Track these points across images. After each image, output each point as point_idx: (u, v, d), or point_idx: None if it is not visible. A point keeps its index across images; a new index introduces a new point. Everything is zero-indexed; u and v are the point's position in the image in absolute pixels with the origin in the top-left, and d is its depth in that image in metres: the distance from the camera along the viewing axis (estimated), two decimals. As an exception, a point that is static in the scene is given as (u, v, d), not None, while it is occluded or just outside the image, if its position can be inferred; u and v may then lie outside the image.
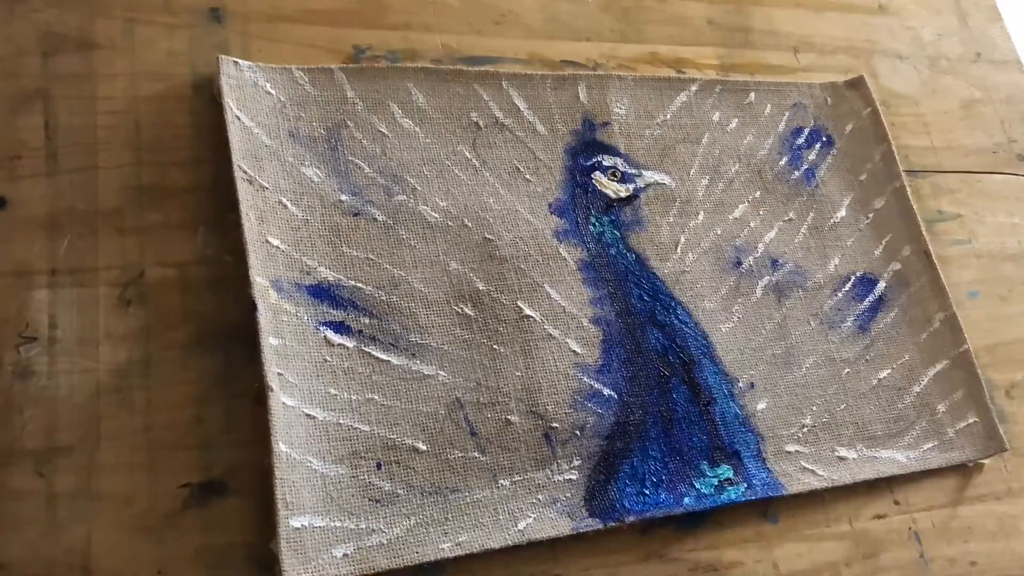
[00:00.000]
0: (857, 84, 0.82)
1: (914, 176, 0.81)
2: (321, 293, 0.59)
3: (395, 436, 0.57)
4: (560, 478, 0.60)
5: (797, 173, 0.77)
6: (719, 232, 0.72)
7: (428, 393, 0.59)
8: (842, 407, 0.69)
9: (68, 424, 0.53)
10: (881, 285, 0.75)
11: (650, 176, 0.71)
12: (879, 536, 0.67)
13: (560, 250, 0.66)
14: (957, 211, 0.83)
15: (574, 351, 0.63)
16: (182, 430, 0.54)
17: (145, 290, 0.57)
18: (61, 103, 0.59)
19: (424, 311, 0.61)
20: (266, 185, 0.60)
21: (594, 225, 0.68)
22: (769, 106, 0.78)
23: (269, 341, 0.55)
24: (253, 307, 0.56)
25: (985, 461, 0.72)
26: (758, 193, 0.75)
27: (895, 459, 0.69)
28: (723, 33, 0.82)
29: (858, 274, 0.75)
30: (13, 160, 0.57)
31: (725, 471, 0.63)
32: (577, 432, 0.61)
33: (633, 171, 0.71)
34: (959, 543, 0.68)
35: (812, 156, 0.78)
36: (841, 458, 0.67)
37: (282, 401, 0.54)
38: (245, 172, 0.59)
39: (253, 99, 0.62)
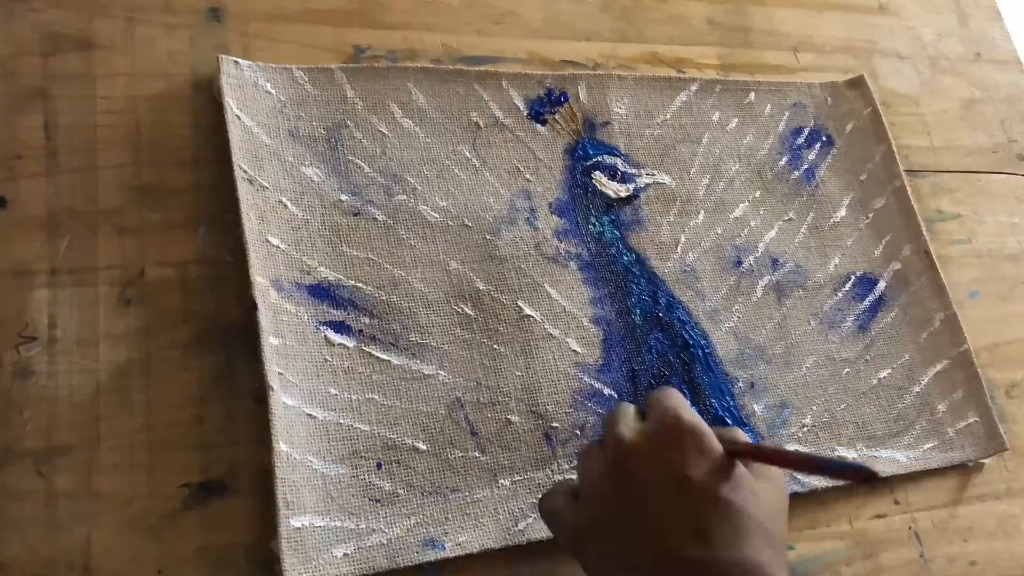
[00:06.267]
0: (857, 84, 0.82)
1: (914, 176, 0.81)
2: (321, 293, 0.59)
3: (395, 436, 0.57)
4: (560, 478, 0.60)
5: (797, 173, 0.77)
6: (719, 232, 0.72)
7: (428, 393, 0.59)
8: (842, 407, 0.69)
9: (68, 424, 0.52)
10: (881, 285, 0.75)
11: (650, 176, 0.71)
12: (879, 536, 0.67)
13: (560, 250, 0.66)
14: (957, 211, 0.83)
15: (574, 351, 0.63)
16: (182, 430, 0.54)
17: (145, 290, 0.57)
18: (61, 103, 0.59)
19: (424, 311, 0.61)
20: (266, 185, 0.60)
21: (594, 225, 0.68)
22: (769, 106, 0.78)
23: (269, 341, 0.55)
24: (253, 307, 0.56)
25: (985, 461, 0.72)
26: (758, 193, 0.75)
27: (895, 459, 0.69)
28: (723, 33, 0.82)
29: (858, 274, 0.75)
30: (13, 160, 0.57)
31: (725, 471, 0.63)
32: (577, 432, 0.61)
33: (633, 171, 0.71)
34: (959, 543, 0.68)
35: (812, 156, 0.78)
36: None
37: (282, 401, 0.54)
38: (245, 172, 0.59)
39: (253, 99, 0.62)
